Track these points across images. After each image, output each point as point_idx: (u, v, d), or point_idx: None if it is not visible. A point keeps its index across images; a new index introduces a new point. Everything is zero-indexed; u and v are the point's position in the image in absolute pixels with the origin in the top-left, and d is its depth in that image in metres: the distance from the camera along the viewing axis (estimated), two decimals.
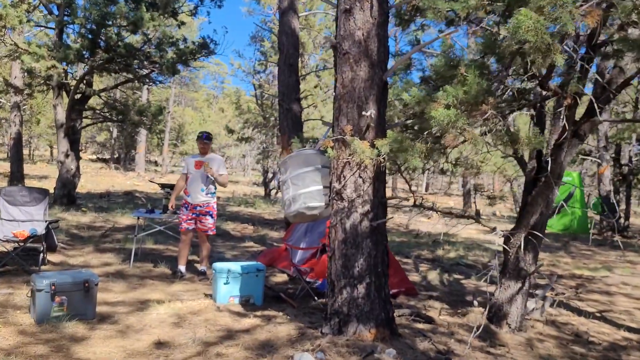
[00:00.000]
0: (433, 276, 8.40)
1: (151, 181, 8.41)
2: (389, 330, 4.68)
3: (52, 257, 7.50)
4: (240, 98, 20.98)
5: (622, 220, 17.19)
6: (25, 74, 15.04)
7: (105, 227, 10.99)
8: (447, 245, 12.54)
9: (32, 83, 14.94)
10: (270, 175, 23.95)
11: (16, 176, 16.78)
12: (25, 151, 41.52)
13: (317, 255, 7.04)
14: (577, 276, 9.49)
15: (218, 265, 6.09)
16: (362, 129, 4.71)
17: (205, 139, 7.16)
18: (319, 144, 5.11)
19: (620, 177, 17.77)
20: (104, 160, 41.44)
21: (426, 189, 46.33)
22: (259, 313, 5.63)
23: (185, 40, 13.82)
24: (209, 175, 7.02)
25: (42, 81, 14.48)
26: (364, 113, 4.66)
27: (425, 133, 4.03)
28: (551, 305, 6.39)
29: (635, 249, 14.24)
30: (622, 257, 12.40)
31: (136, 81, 14.87)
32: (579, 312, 6.70)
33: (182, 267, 7.18)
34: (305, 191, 4.95)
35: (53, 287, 4.92)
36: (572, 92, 4.45)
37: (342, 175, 4.77)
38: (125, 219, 12.51)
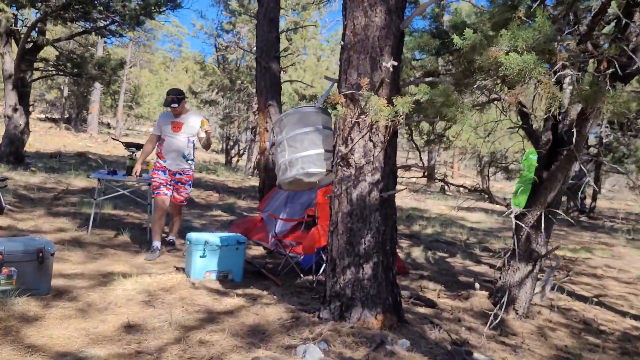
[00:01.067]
0: (417, 253, 7.90)
1: (114, 139, 7.53)
2: (396, 317, 4.11)
3: None
4: (204, 59, 19.92)
5: (588, 202, 17.17)
6: None
7: (57, 189, 10.04)
8: (421, 220, 12.10)
9: None
10: (232, 142, 23.05)
11: None
12: None
13: (302, 227, 6.40)
14: (560, 257, 9.18)
15: (193, 235, 5.38)
16: (376, 84, 4.05)
17: (176, 98, 6.03)
18: (319, 100, 4.42)
19: (590, 159, 17.70)
20: (54, 120, 39.38)
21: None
22: (240, 291, 4.97)
23: None
24: (190, 139, 6.10)
25: None
26: (384, 64, 3.99)
27: (475, 86, 3.40)
28: (552, 289, 5.98)
29: (606, 230, 14.18)
30: (595, 238, 12.25)
31: (94, 33, 13.69)
32: (576, 296, 6.31)
33: (157, 243, 6.02)
34: (304, 155, 4.27)
35: (0, 257, 4.13)
36: (608, 54, 3.90)
37: (349, 138, 4.11)
38: (80, 181, 11.54)
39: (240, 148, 23.00)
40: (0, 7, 11.09)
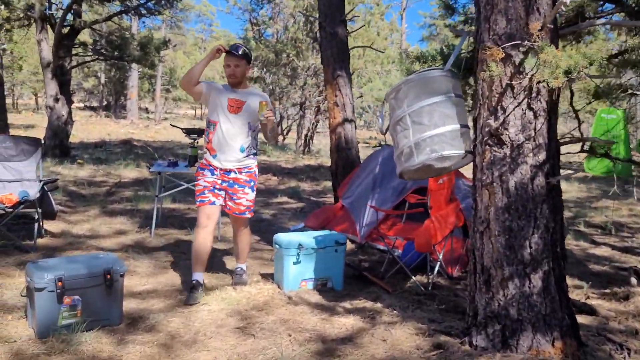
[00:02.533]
0: None
1: (173, 125, 6.66)
2: (576, 341, 3.11)
3: (50, 226, 5.85)
4: (247, 33, 18.89)
5: None
6: (2, 5, 12.97)
7: (109, 183, 9.30)
8: None
9: (10, 16, 12.86)
10: (277, 118, 22.11)
11: (0, 126, 14.87)
12: (9, 100, 39.15)
13: (403, 218, 5.42)
14: None
15: (283, 237, 4.47)
16: (533, 32, 2.99)
17: (240, 54, 4.07)
18: (449, 61, 3.39)
19: None
20: (93, 108, 39.25)
21: None
22: (348, 305, 4.04)
23: None
24: (253, 125, 4.17)
25: (22, 14, 12.45)
26: (546, 2, 2.93)
27: None
28: None
29: None
30: None
31: (131, 13, 12.83)
32: None
33: (199, 276, 4.18)
34: (435, 133, 3.26)
35: (60, 284, 3.29)
36: None
37: (499, 107, 3.08)
38: (130, 172, 10.80)
39: (288, 125, 22.02)
40: None
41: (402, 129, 3.40)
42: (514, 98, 3.05)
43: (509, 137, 3.06)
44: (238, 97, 4.12)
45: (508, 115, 3.06)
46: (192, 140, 5.97)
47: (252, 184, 4.29)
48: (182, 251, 5.38)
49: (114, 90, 38.43)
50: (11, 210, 4.91)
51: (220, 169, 4.16)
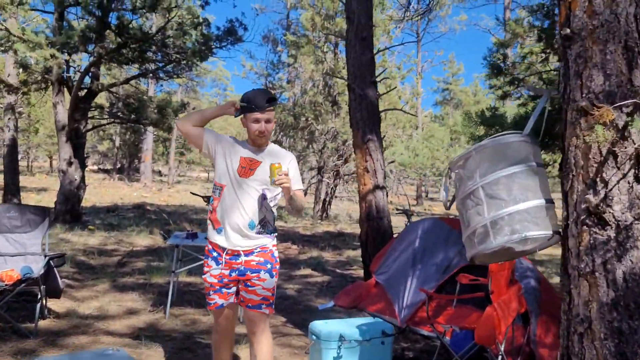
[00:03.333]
0: None
1: (193, 194, 6.16)
2: None
3: (55, 304, 5.26)
4: None
5: None
6: (20, 69, 12.87)
7: (120, 252, 8.75)
8: None
9: (27, 79, 12.74)
10: (300, 186, 21.66)
11: (11, 189, 14.50)
12: (24, 162, 39.30)
13: (454, 303, 4.78)
14: None
15: (321, 327, 3.86)
16: (639, 90, 2.48)
17: (272, 106, 3.22)
18: (529, 124, 2.87)
19: None
20: (106, 171, 39.24)
21: None
22: None
23: (209, 24, 11.60)
24: (268, 195, 3.25)
25: (40, 76, 12.30)
26: None
27: None
28: None
29: None
30: None
31: (150, 76, 12.65)
32: None
33: None
34: (516, 209, 2.71)
35: None
36: None
37: (598, 179, 2.54)
38: (143, 239, 10.27)
39: (305, 189, 21.60)
40: (51, 52, 10.09)
41: (474, 204, 2.85)
42: (618, 168, 2.50)
43: (614, 216, 2.50)
44: (254, 156, 3.20)
45: (611, 189, 2.51)
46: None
47: (268, 266, 3.24)
48: (200, 335, 4.75)
49: (128, 153, 38.54)
50: (11, 288, 4.35)
51: (227, 253, 3.19)
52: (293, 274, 7.88)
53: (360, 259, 9.49)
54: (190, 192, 6.38)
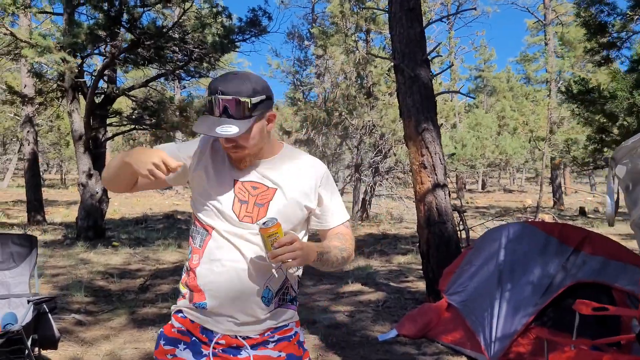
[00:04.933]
0: None
1: None
2: None
3: (54, 354, 4.26)
4: (295, 94, 17.73)
5: None
6: (36, 79, 12.08)
7: (144, 271, 7.79)
8: None
9: (42, 89, 11.96)
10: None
11: (34, 206, 13.77)
12: (57, 176, 39.19)
13: (574, 336, 3.57)
14: None
15: None
16: None
17: (235, 101, 1.70)
18: None
19: None
20: None
21: (482, 187, 41.97)
22: None
23: (229, 15, 10.58)
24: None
25: (54, 85, 11.49)
26: None
27: None
28: None
29: None
30: None
31: (170, 76, 11.70)
32: None
33: None
34: None
35: None
36: None
37: None
38: (170, 255, 9.32)
39: (341, 188, 20.51)
40: (61, 56, 9.20)
41: None
42: None
43: None
44: (256, 178, 1.86)
45: None
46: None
47: None
48: None
49: None
50: None
51: (217, 342, 1.83)
52: (340, 290, 6.77)
53: (415, 267, 8.35)
54: None
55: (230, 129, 1.68)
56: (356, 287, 6.92)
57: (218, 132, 1.68)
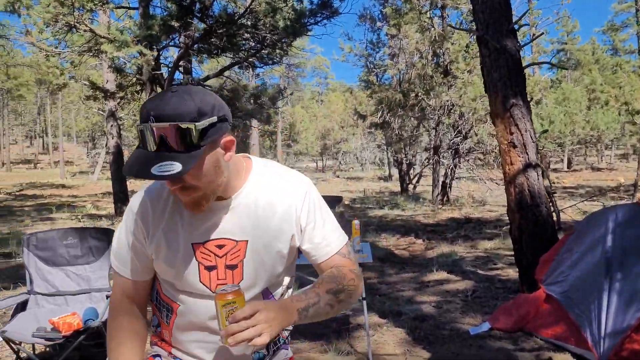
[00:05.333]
0: None
1: None
2: None
3: None
4: (369, 77, 17.37)
5: None
6: (116, 73, 12.42)
7: None
8: None
9: (122, 83, 12.27)
10: (405, 166, 20.16)
11: (120, 197, 14.27)
12: None
13: None
14: None
15: None
16: None
17: (168, 130, 1.28)
18: None
19: None
20: None
21: (568, 166, 39.81)
22: None
23: None
24: (276, 290, 1.63)
25: (133, 78, 11.75)
26: None
27: None
28: None
29: None
30: None
31: (244, 64, 11.67)
32: None
33: None
34: None
35: None
36: None
37: None
38: None
39: (419, 172, 20.06)
40: (138, 49, 9.33)
41: None
42: None
43: None
44: (219, 233, 1.50)
45: None
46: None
47: None
48: None
49: (237, 150, 38.69)
50: (70, 341, 3.31)
51: None
52: (425, 279, 6.45)
53: (503, 253, 7.88)
54: None
55: (171, 167, 1.24)
56: (441, 275, 6.57)
57: (154, 173, 1.23)
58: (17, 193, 21.79)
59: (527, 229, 5.30)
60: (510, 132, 5.39)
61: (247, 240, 1.48)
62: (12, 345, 3.28)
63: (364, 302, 3.97)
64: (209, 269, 1.48)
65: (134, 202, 1.54)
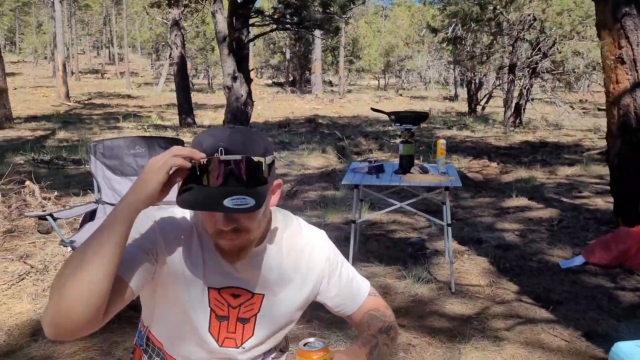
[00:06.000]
0: None
1: (375, 110, 4.51)
2: None
3: None
4: None
5: None
6: None
7: (291, 177, 7.58)
8: None
9: None
10: (474, 86, 19.19)
11: (184, 108, 14.21)
12: (204, 81, 40.87)
13: None
14: None
15: (627, 348, 2.10)
16: None
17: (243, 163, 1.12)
18: None
19: None
20: (280, 85, 39.42)
21: None
22: None
23: None
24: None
25: None
26: None
27: None
28: None
29: None
30: None
31: None
32: None
33: None
34: None
35: None
36: None
37: None
38: (315, 159, 9.08)
39: (489, 91, 19.12)
40: None
41: None
42: None
43: None
44: (238, 281, 1.30)
45: None
46: (405, 131, 3.77)
47: None
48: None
49: (299, 65, 38.15)
50: None
51: None
52: (504, 205, 6.04)
53: (587, 181, 7.33)
54: (371, 109, 4.71)
55: (245, 202, 1.08)
56: (522, 201, 6.14)
57: (228, 206, 1.07)
58: (86, 102, 22.23)
59: (630, 156, 4.76)
60: (618, 46, 4.75)
61: (263, 295, 1.32)
62: None
63: (449, 229, 3.63)
64: (220, 318, 1.31)
65: (154, 214, 1.27)
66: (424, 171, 3.77)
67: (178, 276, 1.26)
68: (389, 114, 3.83)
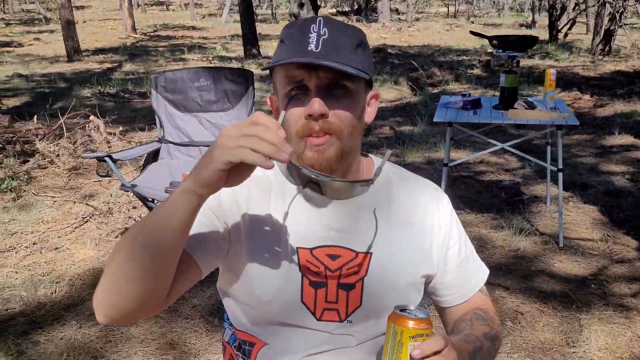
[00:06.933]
0: None
1: (474, 33, 3.93)
2: None
3: None
4: None
5: None
6: None
7: None
8: None
9: None
10: (556, 12, 17.69)
11: (249, 39, 13.75)
12: (268, 11, 40.02)
13: None
14: None
15: None
16: None
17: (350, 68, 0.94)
18: None
19: None
20: (345, 13, 38.11)
21: None
22: None
23: None
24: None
25: None
26: None
27: None
28: None
29: None
30: None
31: None
32: None
33: None
34: None
35: None
36: None
37: None
38: (388, 92, 8.54)
39: (573, 17, 17.61)
40: None
41: None
42: None
43: None
44: (336, 238, 1.02)
45: None
46: (508, 60, 3.19)
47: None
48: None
49: None
50: None
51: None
52: (606, 143, 5.37)
53: None
54: (471, 32, 4.11)
55: (344, 66, 0.92)
56: (626, 139, 5.44)
57: (325, 64, 0.90)
58: (152, 34, 22.10)
59: None
60: None
61: (371, 253, 1.03)
62: (145, 202, 2.86)
63: (560, 174, 3.10)
64: (316, 285, 1.01)
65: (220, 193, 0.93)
66: (530, 106, 3.21)
67: (256, 240, 1.00)
68: (490, 38, 3.26)
